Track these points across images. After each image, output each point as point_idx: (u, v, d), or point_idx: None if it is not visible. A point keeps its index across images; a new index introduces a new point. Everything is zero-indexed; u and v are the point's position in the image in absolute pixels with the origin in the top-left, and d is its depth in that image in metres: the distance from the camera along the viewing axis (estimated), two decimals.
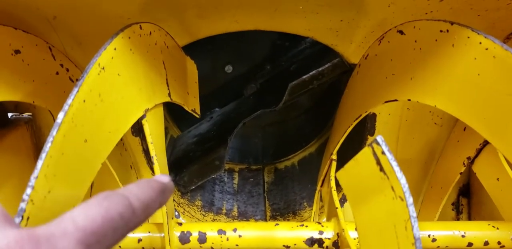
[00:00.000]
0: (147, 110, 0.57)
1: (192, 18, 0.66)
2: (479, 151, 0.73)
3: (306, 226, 0.66)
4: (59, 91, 0.64)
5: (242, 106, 1.06)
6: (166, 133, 1.10)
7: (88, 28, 0.64)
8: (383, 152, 0.38)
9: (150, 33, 0.59)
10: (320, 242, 0.65)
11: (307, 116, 1.22)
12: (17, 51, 0.57)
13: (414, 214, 0.35)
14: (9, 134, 0.77)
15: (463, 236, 0.64)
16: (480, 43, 0.47)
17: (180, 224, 0.66)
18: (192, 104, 0.76)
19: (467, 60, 0.49)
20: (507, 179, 0.66)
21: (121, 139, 0.81)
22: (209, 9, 0.64)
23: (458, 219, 0.92)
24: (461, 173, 0.77)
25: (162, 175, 0.33)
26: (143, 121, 0.57)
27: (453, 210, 0.92)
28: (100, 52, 0.45)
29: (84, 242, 0.24)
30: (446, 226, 0.66)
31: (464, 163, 0.76)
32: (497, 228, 0.64)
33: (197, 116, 0.77)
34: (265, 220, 1.06)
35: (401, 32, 0.57)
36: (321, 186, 0.82)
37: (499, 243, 0.63)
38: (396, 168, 0.37)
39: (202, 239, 0.65)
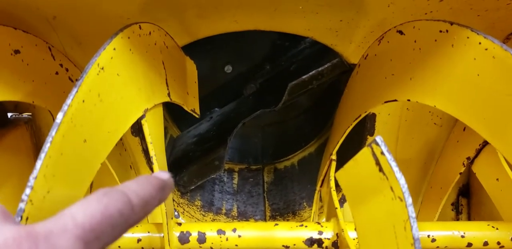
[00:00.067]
0: (146, 110, 0.57)
1: (192, 18, 0.66)
2: (478, 151, 0.73)
3: (306, 226, 0.66)
4: (59, 91, 0.64)
5: (241, 106, 1.06)
6: (166, 133, 1.10)
7: (87, 28, 0.64)
8: (382, 153, 0.38)
9: (150, 33, 0.59)
10: (319, 242, 0.65)
11: (307, 116, 1.22)
12: (16, 51, 0.57)
13: (413, 215, 0.35)
14: (8, 134, 0.77)
15: (462, 236, 0.64)
16: (480, 43, 0.47)
17: (180, 224, 0.66)
18: (191, 104, 0.76)
19: (467, 61, 0.49)
20: (507, 180, 0.66)
21: (121, 139, 0.81)
22: (209, 9, 0.64)
23: (457, 219, 0.92)
24: (460, 173, 0.77)
25: (162, 172, 0.33)
26: (143, 121, 0.57)
27: (452, 210, 0.92)
28: (99, 52, 0.45)
29: (83, 239, 0.24)
30: (446, 226, 0.66)
31: (463, 163, 0.76)
32: (497, 229, 0.64)
33: (197, 116, 0.77)
34: (265, 220, 1.06)
35: (400, 32, 0.57)
36: (321, 186, 0.82)
37: (498, 243, 0.63)
38: (395, 169, 0.37)
39: (202, 239, 0.65)
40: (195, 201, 1.06)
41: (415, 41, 0.55)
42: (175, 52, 0.70)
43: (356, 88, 0.71)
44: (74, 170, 0.43)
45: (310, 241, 0.65)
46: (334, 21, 0.66)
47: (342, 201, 0.86)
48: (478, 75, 0.48)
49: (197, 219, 1.02)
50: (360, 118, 0.67)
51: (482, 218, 0.86)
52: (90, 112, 0.44)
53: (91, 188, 0.70)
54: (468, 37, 0.48)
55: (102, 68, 0.46)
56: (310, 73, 0.85)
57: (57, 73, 0.64)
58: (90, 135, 0.44)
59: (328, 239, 0.65)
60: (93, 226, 0.24)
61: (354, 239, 0.63)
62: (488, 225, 0.65)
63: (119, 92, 0.50)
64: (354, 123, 0.68)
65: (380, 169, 0.39)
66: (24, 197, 0.34)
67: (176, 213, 0.97)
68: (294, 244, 0.65)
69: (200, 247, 0.65)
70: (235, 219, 1.07)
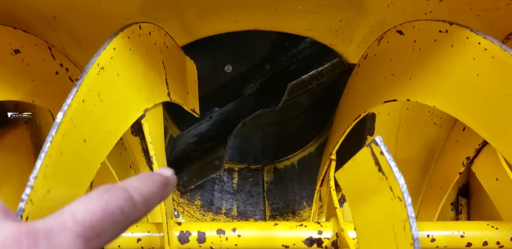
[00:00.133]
0: (146, 110, 0.57)
1: (192, 18, 0.66)
2: (478, 151, 0.73)
3: (305, 226, 0.66)
4: (59, 91, 0.64)
5: (241, 106, 1.06)
6: (166, 133, 1.10)
7: (87, 28, 0.64)
8: (381, 152, 0.38)
9: (150, 33, 0.59)
10: (319, 242, 0.65)
11: (307, 116, 1.22)
12: (16, 51, 0.57)
13: (413, 214, 0.35)
14: (9, 134, 0.77)
15: (462, 236, 0.64)
16: (479, 43, 0.47)
17: (180, 223, 0.66)
18: (191, 104, 0.76)
19: (466, 61, 0.49)
20: (506, 179, 0.66)
21: (121, 139, 0.81)
22: (209, 9, 0.64)
23: (457, 219, 0.92)
24: (460, 173, 0.77)
25: (164, 169, 0.32)
26: (143, 121, 0.57)
27: (452, 210, 0.92)
28: (99, 52, 0.45)
29: (84, 236, 0.23)
30: (445, 226, 0.66)
31: (463, 163, 0.76)
32: (496, 228, 0.64)
33: (197, 115, 0.77)
34: (265, 219, 1.06)
35: (400, 32, 0.57)
36: (321, 186, 0.82)
37: (498, 243, 0.63)
38: (395, 168, 0.37)
39: (201, 238, 0.65)
40: (195, 200, 1.06)
41: (414, 41, 0.55)
42: (175, 52, 0.70)
43: (356, 88, 0.71)
44: (74, 170, 0.43)
45: (310, 241, 0.65)
46: (334, 21, 0.66)
47: (342, 201, 0.86)
48: (477, 75, 0.48)
49: (197, 219, 1.02)
50: (360, 118, 0.67)
51: (482, 218, 0.86)
52: (90, 111, 0.44)
53: (91, 188, 0.70)
54: (467, 37, 0.48)
55: (102, 68, 0.46)
56: (310, 73, 0.85)
57: (57, 73, 0.64)
58: (90, 134, 0.44)
59: (328, 238, 0.65)
60: (93, 223, 0.24)
61: (353, 238, 0.63)
62: (488, 225, 0.65)
63: (119, 92, 0.50)
64: (353, 123, 0.68)
65: (380, 169, 0.39)
66: (24, 196, 0.34)
67: (176, 213, 0.97)
68: (294, 244, 0.65)
69: (200, 246, 0.65)
70: (235, 218, 1.07)
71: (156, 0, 0.60)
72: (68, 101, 0.40)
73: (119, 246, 0.64)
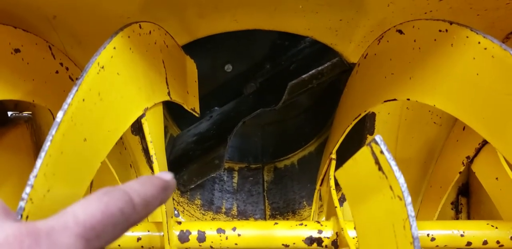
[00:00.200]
0: (146, 109, 0.57)
1: (192, 17, 0.66)
2: (478, 151, 0.73)
3: (305, 225, 0.66)
4: (59, 90, 0.64)
5: (241, 105, 1.06)
6: (166, 132, 1.11)
7: (88, 27, 0.64)
8: (381, 152, 0.38)
9: (150, 32, 0.59)
10: (319, 241, 0.65)
11: (307, 115, 1.22)
12: (17, 50, 0.57)
13: (413, 213, 0.35)
14: (9, 133, 0.77)
15: (462, 235, 0.64)
16: (479, 42, 0.47)
17: (180, 223, 0.66)
18: (191, 103, 0.76)
19: (466, 60, 0.49)
20: (506, 179, 0.66)
21: (121, 138, 0.81)
22: (209, 8, 0.64)
23: (457, 219, 0.92)
24: (460, 173, 0.77)
25: (164, 172, 0.33)
26: (143, 120, 0.58)
27: (452, 209, 0.92)
28: (99, 51, 0.45)
29: (84, 237, 0.24)
30: (445, 226, 0.66)
31: (463, 163, 0.76)
32: (496, 228, 0.64)
33: (197, 115, 0.77)
34: (265, 219, 1.06)
35: (400, 31, 0.57)
36: (321, 185, 0.82)
37: (498, 242, 0.63)
38: (395, 167, 0.37)
39: (201, 238, 0.65)
40: (195, 200, 1.06)
41: (414, 41, 0.55)
42: (175, 51, 0.70)
43: (356, 87, 0.71)
44: (74, 169, 0.43)
45: (310, 240, 0.65)
46: (334, 20, 0.66)
47: (342, 200, 0.87)
48: (477, 74, 0.48)
49: (197, 218, 1.02)
50: (360, 117, 0.67)
51: (482, 217, 0.86)
52: (90, 111, 0.44)
53: (91, 187, 0.70)
54: (467, 37, 0.48)
55: (102, 67, 0.46)
56: (310, 72, 0.85)
57: (57, 72, 0.64)
58: (90, 134, 0.44)
59: (328, 238, 0.65)
60: (93, 224, 0.24)
61: (353, 238, 0.63)
62: (488, 224, 0.65)
63: (119, 91, 0.50)
64: (354, 122, 0.68)
65: (380, 168, 0.39)
66: (24, 195, 0.34)
67: (176, 212, 0.97)
68: (294, 243, 0.65)
69: (200, 246, 0.65)
70: (235, 218, 1.07)
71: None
72: (68, 100, 0.40)
73: (119, 245, 0.64)
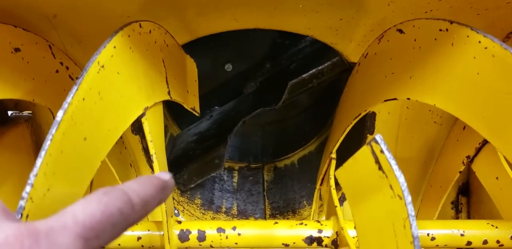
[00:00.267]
0: (146, 109, 0.57)
1: (192, 17, 0.66)
2: (478, 150, 0.73)
3: (305, 225, 0.66)
4: (59, 89, 0.64)
5: (241, 105, 1.06)
6: (166, 132, 1.11)
7: (88, 27, 0.64)
8: (381, 151, 0.38)
9: (150, 31, 0.59)
10: (319, 240, 0.65)
11: (307, 114, 1.22)
12: (17, 49, 0.57)
13: (413, 213, 0.35)
14: (9, 132, 0.77)
15: (462, 235, 0.64)
16: (479, 42, 0.47)
17: (180, 222, 0.66)
18: (191, 103, 0.76)
19: (466, 59, 0.49)
20: (506, 178, 0.66)
21: (121, 137, 0.81)
22: (209, 7, 0.64)
23: (457, 218, 0.92)
24: (460, 172, 0.77)
25: (163, 173, 0.33)
26: (143, 120, 0.57)
27: (452, 209, 0.92)
28: (99, 50, 0.45)
29: (83, 237, 0.24)
30: (445, 225, 0.66)
31: (463, 162, 0.76)
32: (496, 227, 0.64)
33: (197, 114, 0.77)
34: (265, 218, 1.06)
35: (400, 31, 0.57)
36: (321, 184, 0.82)
37: (498, 242, 0.63)
38: (395, 167, 0.37)
39: (202, 237, 0.65)
40: (195, 199, 1.06)
41: (415, 40, 0.55)
42: (175, 50, 0.70)
43: (356, 87, 0.71)
44: (74, 168, 0.43)
45: (310, 239, 0.65)
46: (334, 19, 0.66)
47: (342, 199, 0.87)
48: (477, 73, 0.48)
49: (197, 217, 1.02)
50: (360, 116, 0.67)
51: (482, 217, 0.86)
52: (90, 110, 0.44)
53: (91, 186, 0.70)
54: (468, 36, 0.48)
55: (103, 66, 0.46)
56: (310, 72, 0.85)
57: (57, 71, 0.64)
58: (90, 133, 0.44)
59: (328, 237, 0.65)
60: (93, 224, 0.25)
61: (353, 237, 0.63)
62: (488, 223, 0.65)
63: (119, 90, 0.50)
64: (354, 122, 0.68)
65: (380, 168, 0.39)
66: (24, 194, 0.34)
67: (176, 211, 0.97)
68: (294, 242, 0.65)
69: (200, 245, 0.65)
70: (235, 217, 1.07)
71: None
72: (69, 99, 0.40)
73: (119, 245, 0.64)
